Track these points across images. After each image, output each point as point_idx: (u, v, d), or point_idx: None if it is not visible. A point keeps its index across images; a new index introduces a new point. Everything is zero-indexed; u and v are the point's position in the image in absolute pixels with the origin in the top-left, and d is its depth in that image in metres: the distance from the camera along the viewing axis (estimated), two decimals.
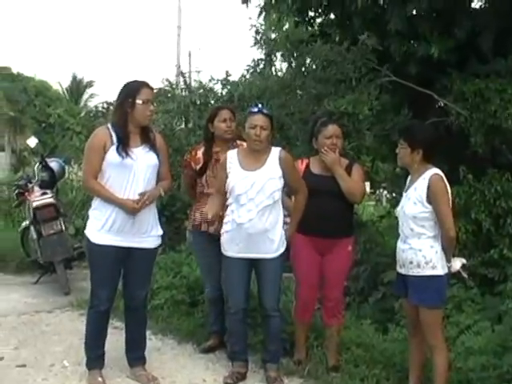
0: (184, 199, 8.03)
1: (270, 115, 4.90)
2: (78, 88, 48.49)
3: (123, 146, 4.63)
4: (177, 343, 5.93)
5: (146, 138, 4.77)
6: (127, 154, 4.62)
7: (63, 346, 5.78)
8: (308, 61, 7.53)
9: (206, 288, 5.73)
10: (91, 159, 4.71)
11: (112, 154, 4.63)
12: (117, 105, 4.82)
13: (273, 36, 9.15)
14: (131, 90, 4.70)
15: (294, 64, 7.90)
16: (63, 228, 8.04)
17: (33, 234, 8.18)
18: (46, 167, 8.66)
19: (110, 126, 4.74)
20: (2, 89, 46.26)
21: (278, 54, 8.71)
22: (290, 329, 5.40)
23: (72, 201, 10.49)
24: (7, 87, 47.37)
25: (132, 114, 4.67)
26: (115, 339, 5.32)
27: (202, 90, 9.64)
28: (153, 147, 4.77)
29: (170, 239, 7.84)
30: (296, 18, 8.33)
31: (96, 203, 4.77)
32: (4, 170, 36.63)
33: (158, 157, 4.78)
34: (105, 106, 11.41)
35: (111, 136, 4.66)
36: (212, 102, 9.05)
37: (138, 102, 4.65)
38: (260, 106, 5.00)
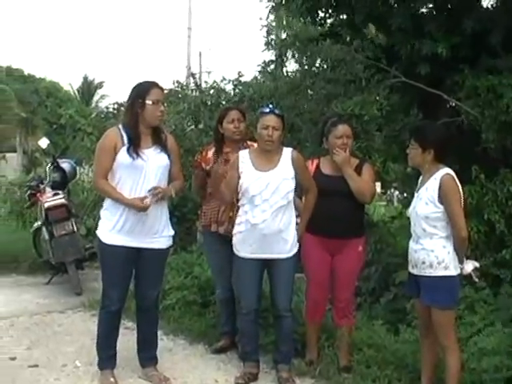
0: (195, 200, 8.02)
1: (281, 115, 4.89)
2: (88, 89, 48.68)
3: (134, 147, 4.63)
4: (188, 344, 5.93)
5: (158, 139, 4.76)
6: (138, 155, 4.62)
7: (75, 347, 5.78)
8: (318, 61, 7.52)
9: (218, 289, 5.73)
10: (102, 160, 4.72)
11: (123, 155, 4.63)
12: (127, 106, 4.83)
13: (283, 36, 9.13)
14: (141, 90, 4.71)
15: (304, 64, 7.89)
16: (75, 229, 8.05)
17: (45, 234, 8.18)
18: (57, 168, 8.68)
19: (120, 126, 4.74)
20: (14, 90, 46.45)
21: (289, 55, 8.71)
22: (302, 329, 5.39)
23: (83, 201, 10.50)
24: (19, 89, 47.59)
25: (142, 115, 4.67)
26: (127, 339, 5.33)
27: (213, 91, 9.65)
28: (164, 148, 4.77)
29: (181, 240, 7.84)
30: (306, 18, 8.32)
31: (107, 204, 4.77)
32: (15, 170, 36.77)
33: (169, 158, 4.77)
34: (115, 106, 11.42)
35: (122, 137, 4.67)
36: (223, 102, 9.05)
37: (148, 102, 4.65)
38: (272, 106, 4.99)
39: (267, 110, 4.87)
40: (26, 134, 43.63)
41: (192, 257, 7.42)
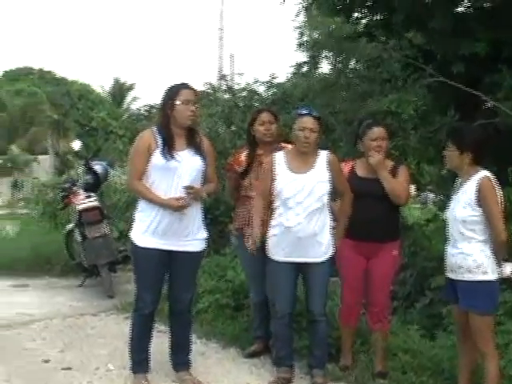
0: (228, 202, 8.03)
1: (318, 117, 4.88)
2: (120, 91, 49.05)
3: (167, 149, 4.66)
4: (221, 347, 5.92)
5: (192, 141, 4.78)
6: (172, 157, 4.64)
7: (108, 350, 5.82)
8: (353, 60, 7.49)
9: (251, 292, 5.72)
10: (136, 161, 4.76)
11: (156, 157, 4.66)
12: (160, 108, 4.88)
13: (316, 36, 9.12)
14: (171, 92, 4.75)
15: (337, 63, 7.87)
16: (108, 231, 8.12)
17: (77, 236, 8.25)
18: (90, 170, 8.76)
19: (155, 128, 4.78)
20: (46, 93, 47.02)
21: (322, 55, 8.69)
22: (336, 334, 5.36)
23: (115, 203, 10.57)
24: (51, 91, 48.14)
25: (173, 116, 4.71)
26: (160, 343, 5.33)
27: (245, 93, 9.67)
28: (199, 150, 4.78)
29: (214, 242, 7.86)
30: (339, 18, 8.29)
31: (141, 206, 4.80)
32: (47, 172, 37.17)
33: (204, 160, 4.79)
34: (147, 108, 11.50)
35: (156, 138, 4.70)
36: (256, 104, 9.07)
37: (178, 102, 4.68)
38: (309, 107, 4.98)
39: (304, 111, 4.86)
40: (57, 136, 44.14)
41: (225, 260, 7.43)
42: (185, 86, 4.77)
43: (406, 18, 6.91)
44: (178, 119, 4.70)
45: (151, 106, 11.83)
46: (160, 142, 4.68)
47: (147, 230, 4.70)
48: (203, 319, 6.38)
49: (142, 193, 4.75)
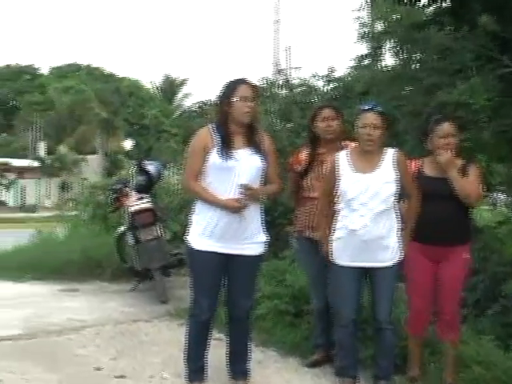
0: (286, 203, 8.03)
1: (383, 113, 4.85)
2: (171, 87, 49.47)
3: (225, 147, 4.69)
4: (280, 356, 5.93)
5: (252, 139, 4.81)
6: (229, 156, 4.68)
7: (162, 357, 5.87)
8: (420, 50, 7.39)
9: (312, 298, 5.72)
10: (192, 161, 4.81)
11: (213, 156, 4.70)
12: (216, 104, 4.92)
13: (379, 27, 9.01)
14: (228, 88, 4.79)
15: (404, 53, 7.76)
16: (161, 234, 8.20)
17: (129, 239, 8.34)
18: (142, 170, 8.84)
19: (212, 126, 4.82)
20: (94, 90, 47.65)
21: (386, 47, 8.59)
22: (403, 343, 5.31)
23: (168, 205, 10.66)
24: (99, 88, 48.80)
25: (230, 113, 4.74)
26: (217, 351, 5.35)
27: (303, 88, 9.65)
28: (258, 149, 4.80)
29: (272, 245, 7.85)
30: (405, 6, 8.17)
31: (197, 207, 4.84)
32: (96, 173, 37.71)
33: (264, 159, 4.81)
34: (200, 105, 11.56)
35: (213, 137, 4.74)
36: (315, 99, 9.04)
37: (235, 99, 4.72)
38: (373, 103, 4.95)
39: (367, 106, 4.84)
40: (106, 135, 44.72)
41: (284, 264, 7.42)
42: (243, 81, 4.80)
43: (484, 5, 6.76)
44: (236, 116, 4.74)
45: (204, 103, 11.90)
46: (217, 140, 4.72)
47: (204, 233, 4.74)
48: (261, 326, 6.36)
49: (198, 193, 4.79)
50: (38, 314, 7.40)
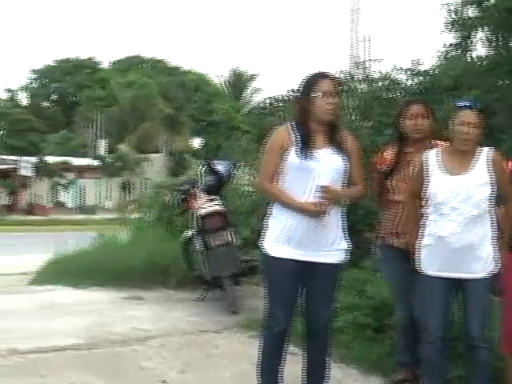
0: (366, 207, 7.97)
1: (480, 110, 4.76)
2: (239, 82, 49.69)
3: (304, 147, 4.68)
4: (360, 374, 5.89)
5: (334, 138, 4.78)
6: (309, 156, 4.66)
7: (232, 371, 5.90)
8: None
9: (397, 311, 5.66)
10: (268, 160, 4.82)
11: (291, 156, 4.68)
12: (295, 101, 4.91)
13: (470, 13, 8.84)
14: (308, 83, 4.77)
15: (500, 41, 7.60)
16: (232, 239, 8.22)
17: (198, 245, 8.41)
18: (211, 170, 8.90)
19: (291, 124, 4.81)
20: (158, 84, 48.10)
21: (477, 35, 8.44)
22: (497, 363, 5.20)
23: (238, 208, 10.67)
24: (163, 82, 49.25)
25: (311, 110, 4.72)
26: (292, 367, 5.30)
27: (384, 82, 9.56)
28: (340, 148, 4.77)
29: (351, 253, 7.79)
30: None
31: (274, 211, 4.84)
32: (159, 173, 38.15)
33: (346, 159, 4.77)
34: (270, 102, 11.56)
35: (291, 135, 4.73)
36: (398, 95, 8.96)
37: (316, 95, 4.70)
38: (471, 99, 4.87)
39: (465, 103, 4.77)
40: (171, 133, 45.14)
41: (364, 273, 7.38)
42: (324, 75, 4.77)
43: None
44: (317, 113, 4.72)
45: (275, 99, 11.90)
46: (296, 139, 4.71)
47: (280, 238, 4.72)
48: (339, 340, 6.31)
49: (274, 196, 4.79)
50: (99, 322, 7.52)
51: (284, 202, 4.72)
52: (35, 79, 67.47)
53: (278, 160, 4.73)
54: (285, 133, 4.76)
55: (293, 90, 9.89)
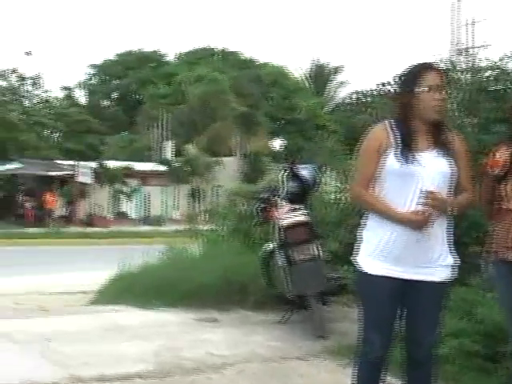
0: (473, 216, 7.85)
1: None
2: (321, 75, 49.68)
3: (405, 149, 4.64)
4: None
5: (439, 138, 4.73)
6: (411, 159, 4.61)
7: None
8: None
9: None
10: (363, 164, 4.80)
11: (390, 159, 4.64)
12: (395, 96, 4.87)
13: None
14: (411, 75, 4.72)
15: None
16: (319, 253, 8.19)
17: (280, 260, 8.42)
18: (294, 176, 8.90)
19: (390, 122, 4.77)
20: (231, 79, 48.38)
21: None
22: None
23: (325, 218, 10.62)
24: (236, 77, 49.49)
25: (414, 106, 4.68)
26: None
27: (492, 72, 9.44)
28: (447, 150, 4.72)
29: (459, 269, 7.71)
30: None
31: (369, 221, 4.81)
32: (232, 178, 38.30)
33: (453, 163, 4.71)
34: (358, 97, 11.52)
35: (390, 135, 4.69)
36: (509, 86, 8.84)
37: (420, 89, 4.64)
38: None
39: None
40: (245, 134, 45.34)
41: (473, 293, 7.27)
42: (430, 66, 4.74)
43: None
44: (422, 111, 4.67)
45: (364, 94, 11.85)
46: (396, 139, 4.67)
47: (377, 253, 4.69)
48: (444, 371, 6.23)
49: (370, 205, 4.76)
50: (170, 347, 7.59)
51: (381, 212, 4.68)
52: (94, 75, 68.73)
53: (375, 164, 4.69)
54: (382, 133, 4.72)
55: (384, 84, 9.84)
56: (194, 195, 43.35)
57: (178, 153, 46.42)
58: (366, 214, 4.88)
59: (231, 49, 62.33)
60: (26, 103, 56.20)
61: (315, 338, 7.88)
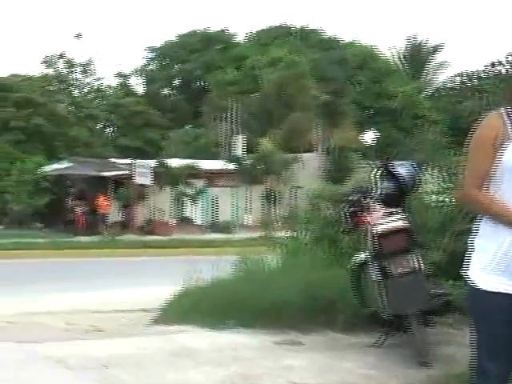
0: None
1: None
2: (418, 55, 49.23)
3: None
4: None
5: None
6: None
7: None
8: None
9: None
10: (475, 159, 4.73)
11: (508, 154, 4.58)
12: (510, 78, 4.78)
13: None
14: None
15: None
16: (420, 265, 8.13)
17: (373, 273, 8.38)
18: (389, 174, 8.86)
19: (506, 110, 4.69)
20: (311, 62, 48.30)
21: None
22: None
23: (426, 224, 10.53)
24: (317, 59, 49.43)
25: None
26: None
27: None
28: None
29: None
30: None
31: (482, 228, 4.74)
32: (313, 177, 38.19)
33: None
34: (461, 80, 11.39)
35: (507, 126, 4.62)
36: None
37: None
38: None
39: None
40: (328, 126, 45.26)
41: None
42: None
43: None
44: None
45: (470, 76, 11.73)
46: None
47: (493, 266, 4.62)
48: None
49: (485, 207, 4.69)
50: (246, 374, 7.62)
51: (499, 216, 4.60)
52: (153, 60, 69.19)
53: (490, 160, 4.62)
54: (499, 122, 4.64)
55: (494, 64, 9.74)
56: (269, 198, 43.41)
57: (250, 149, 46.45)
58: (478, 219, 4.81)
59: (311, 27, 62.39)
60: (76, 93, 56.95)
61: (416, 365, 7.82)
